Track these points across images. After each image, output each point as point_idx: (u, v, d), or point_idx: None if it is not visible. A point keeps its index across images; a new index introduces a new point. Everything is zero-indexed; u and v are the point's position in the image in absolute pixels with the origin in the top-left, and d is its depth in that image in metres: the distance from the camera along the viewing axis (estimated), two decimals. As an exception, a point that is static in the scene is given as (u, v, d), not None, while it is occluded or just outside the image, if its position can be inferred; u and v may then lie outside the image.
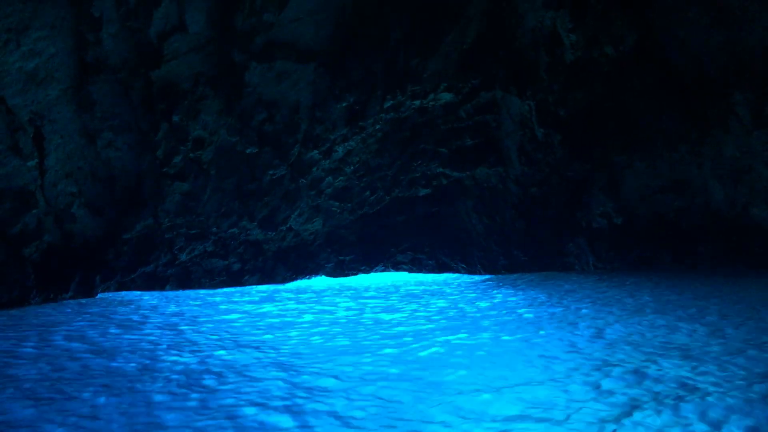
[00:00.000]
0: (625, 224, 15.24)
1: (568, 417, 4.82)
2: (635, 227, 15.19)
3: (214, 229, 14.01)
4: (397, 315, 9.99)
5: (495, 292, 12.71)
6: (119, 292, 13.61)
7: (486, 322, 8.96)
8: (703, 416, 4.77)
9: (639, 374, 5.90)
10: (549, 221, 15.86)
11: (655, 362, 6.31)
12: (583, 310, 9.69)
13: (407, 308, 10.74)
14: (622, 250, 15.42)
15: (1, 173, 11.01)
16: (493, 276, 16.27)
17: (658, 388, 5.46)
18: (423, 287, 14.30)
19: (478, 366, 6.36)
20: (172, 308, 11.26)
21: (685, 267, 14.71)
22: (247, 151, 13.68)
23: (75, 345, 7.77)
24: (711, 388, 5.40)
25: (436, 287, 14.21)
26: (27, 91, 11.10)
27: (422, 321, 9.29)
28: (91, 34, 11.63)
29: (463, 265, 17.02)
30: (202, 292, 13.97)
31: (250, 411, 5.11)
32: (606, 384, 5.62)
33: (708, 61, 13.35)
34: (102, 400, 5.38)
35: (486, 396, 5.35)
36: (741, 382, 5.55)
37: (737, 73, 12.92)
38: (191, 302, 12.10)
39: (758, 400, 5.07)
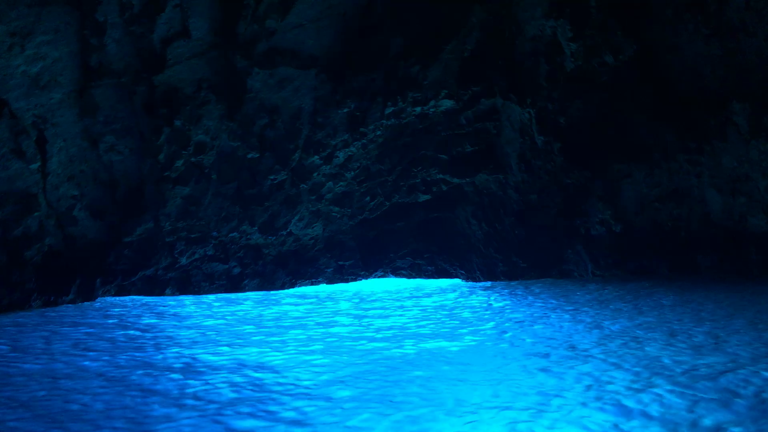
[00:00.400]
0: (623, 232, 15.32)
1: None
2: (634, 235, 15.27)
3: (215, 233, 14.08)
4: (389, 320, 10.06)
5: (484, 297, 12.78)
6: (119, 297, 13.65)
7: (464, 329, 9.05)
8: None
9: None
10: (548, 228, 15.95)
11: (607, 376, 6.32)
12: (562, 315, 9.79)
13: (400, 311, 10.83)
14: (621, 258, 15.50)
15: (3, 176, 11.08)
16: (490, 282, 16.32)
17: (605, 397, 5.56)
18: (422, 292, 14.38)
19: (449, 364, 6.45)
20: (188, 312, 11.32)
21: (684, 276, 14.77)
22: (249, 156, 13.76)
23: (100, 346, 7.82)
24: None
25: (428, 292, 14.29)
26: (31, 95, 11.18)
27: (415, 325, 9.37)
28: (95, 39, 11.71)
29: (462, 272, 17.08)
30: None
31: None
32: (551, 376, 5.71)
33: (707, 72, 13.45)
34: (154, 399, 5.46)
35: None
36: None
37: (735, 83, 13.02)
38: (192, 305, 12.17)
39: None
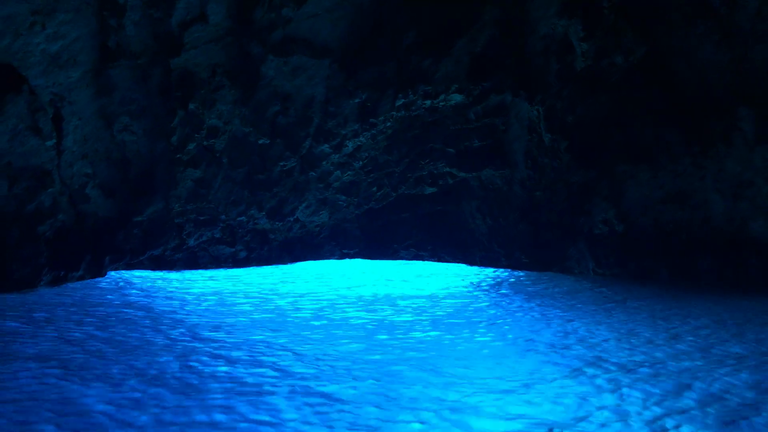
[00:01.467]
0: (626, 232, 15.48)
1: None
2: (636, 236, 15.42)
3: (223, 216, 14.28)
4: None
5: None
6: (128, 270, 13.85)
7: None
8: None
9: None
10: (552, 225, 16.12)
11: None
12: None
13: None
14: (623, 257, 15.65)
15: (20, 151, 11.26)
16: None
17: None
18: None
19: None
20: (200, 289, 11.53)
21: (683, 276, 14.92)
22: (260, 141, 13.94)
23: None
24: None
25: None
26: (49, 73, 11.34)
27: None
28: (114, 20, 11.85)
29: (465, 265, 17.28)
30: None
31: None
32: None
33: (715, 77, 13.58)
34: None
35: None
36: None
37: (743, 89, 13.15)
38: (208, 279, 12.40)
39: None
